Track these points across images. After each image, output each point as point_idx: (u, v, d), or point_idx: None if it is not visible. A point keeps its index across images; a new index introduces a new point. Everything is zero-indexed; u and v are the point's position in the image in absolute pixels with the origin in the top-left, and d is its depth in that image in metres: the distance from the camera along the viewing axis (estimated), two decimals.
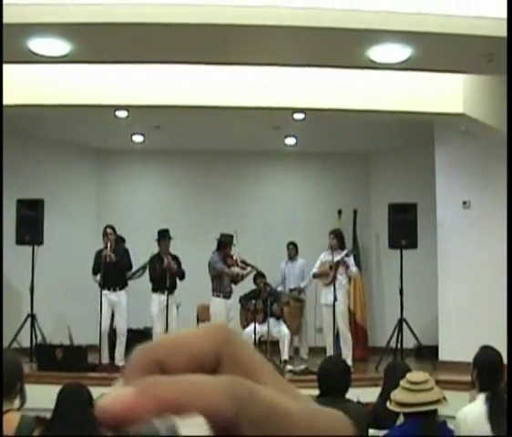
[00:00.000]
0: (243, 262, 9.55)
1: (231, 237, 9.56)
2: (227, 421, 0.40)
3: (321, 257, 9.66)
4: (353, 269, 9.68)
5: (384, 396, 4.13)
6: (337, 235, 9.72)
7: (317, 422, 0.43)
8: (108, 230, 9.55)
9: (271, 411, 0.41)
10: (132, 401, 0.39)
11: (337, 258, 9.40)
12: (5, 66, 7.19)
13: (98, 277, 9.57)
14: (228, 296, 9.51)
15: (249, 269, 9.61)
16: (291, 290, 11.20)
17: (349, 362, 8.82)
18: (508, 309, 6.24)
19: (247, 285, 9.90)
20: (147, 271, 10.17)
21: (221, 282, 9.46)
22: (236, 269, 9.49)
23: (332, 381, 4.11)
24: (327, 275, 9.41)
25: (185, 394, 0.40)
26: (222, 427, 0.40)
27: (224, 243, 9.54)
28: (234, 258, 9.53)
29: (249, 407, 0.40)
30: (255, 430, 0.40)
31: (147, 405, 0.39)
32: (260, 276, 9.92)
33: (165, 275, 9.22)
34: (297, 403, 0.44)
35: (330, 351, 9.31)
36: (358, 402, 4.23)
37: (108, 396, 0.40)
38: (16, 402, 3.40)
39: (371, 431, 3.94)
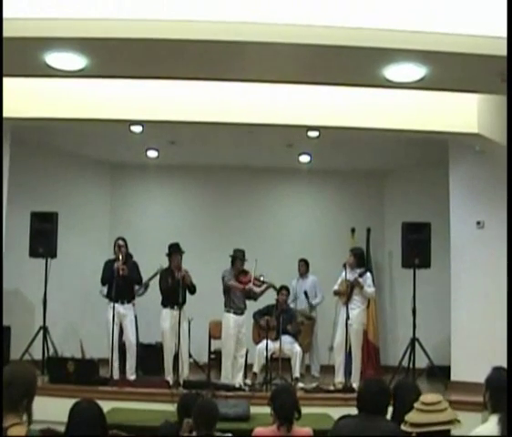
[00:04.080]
0: (257, 280, 9.52)
1: (243, 252, 9.53)
2: None
3: (342, 274, 9.45)
4: (368, 290, 9.39)
5: (396, 417, 4.11)
6: (356, 254, 9.59)
7: None
8: (120, 242, 9.51)
9: None
10: None
11: (351, 277, 9.29)
12: (22, 80, 7.28)
13: (105, 288, 9.52)
14: (239, 312, 9.43)
15: (264, 286, 9.59)
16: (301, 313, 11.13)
17: (356, 384, 8.76)
18: (508, 317, 6.20)
19: (261, 301, 9.88)
20: (148, 287, 10.17)
21: (232, 298, 9.41)
22: (246, 286, 9.45)
23: (371, 401, 4.10)
24: (345, 294, 9.30)
25: None
26: None
27: (235, 258, 9.53)
28: (248, 275, 9.51)
29: None
30: None
31: None
32: (283, 288, 10.03)
33: (176, 289, 9.13)
34: None
35: (338, 370, 9.22)
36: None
37: None
38: (25, 418, 3.35)
39: None
